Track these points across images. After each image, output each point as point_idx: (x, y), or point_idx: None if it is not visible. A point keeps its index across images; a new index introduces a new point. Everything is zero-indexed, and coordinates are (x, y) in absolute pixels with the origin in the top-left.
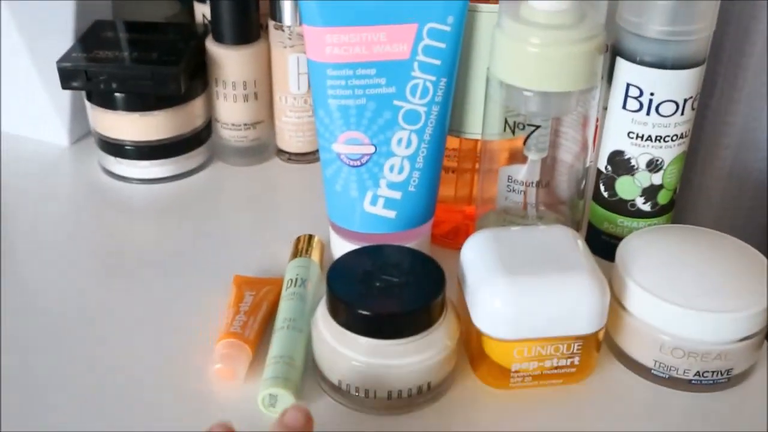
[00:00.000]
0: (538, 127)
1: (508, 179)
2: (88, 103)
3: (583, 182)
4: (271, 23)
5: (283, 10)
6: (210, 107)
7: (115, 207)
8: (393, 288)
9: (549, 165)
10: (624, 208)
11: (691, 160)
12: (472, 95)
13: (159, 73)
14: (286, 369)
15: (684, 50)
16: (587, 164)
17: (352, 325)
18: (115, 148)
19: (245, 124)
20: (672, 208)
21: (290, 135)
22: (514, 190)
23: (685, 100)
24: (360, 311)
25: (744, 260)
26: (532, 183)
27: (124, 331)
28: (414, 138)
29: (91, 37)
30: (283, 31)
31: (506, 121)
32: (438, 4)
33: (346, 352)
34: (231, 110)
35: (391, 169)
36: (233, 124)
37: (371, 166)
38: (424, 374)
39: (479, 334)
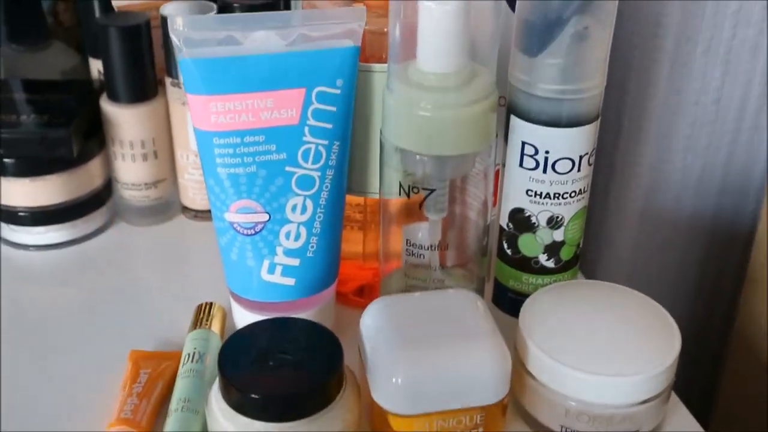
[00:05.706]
0: (433, 190)
1: (407, 243)
2: None
3: (485, 239)
4: (168, 80)
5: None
6: (109, 166)
7: (10, 276)
8: (287, 366)
9: (452, 222)
10: (528, 265)
11: (603, 201)
12: (372, 155)
13: (49, 138)
14: None
15: (576, 108)
16: (489, 220)
17: (245, 408)
18: (7, 215)
19: (146, 184)
20: (576, 262)
21: (194, 192)
22: (414, 254)
23: (581, 157)
24: (251, 395)
25: (648, 317)
26: (433, 246)
27: (9, 415)
28: (309, 203)
29: None
30: (180, 87)
31: (401, 185)
32: (326, 68)
33: None
34: (130, 170)
35: (287, 236)
36: (133, 184)
37: (266, 234)
38: None
39: (380, 408)
